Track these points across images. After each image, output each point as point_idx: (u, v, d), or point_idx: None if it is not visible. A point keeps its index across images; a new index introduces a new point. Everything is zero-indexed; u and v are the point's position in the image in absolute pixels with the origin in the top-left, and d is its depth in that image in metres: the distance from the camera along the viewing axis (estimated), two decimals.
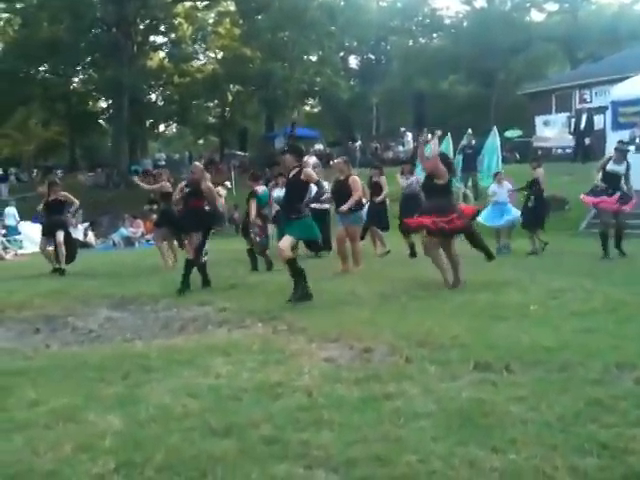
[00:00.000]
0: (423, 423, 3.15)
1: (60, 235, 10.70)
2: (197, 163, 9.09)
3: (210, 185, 8.64)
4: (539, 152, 22.26)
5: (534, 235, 11.28)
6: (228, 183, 16.59)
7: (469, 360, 4.19)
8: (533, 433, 3.00)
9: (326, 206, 12.32)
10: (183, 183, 10.62)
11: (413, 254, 10.85)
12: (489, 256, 8.08)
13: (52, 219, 10.98)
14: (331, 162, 26.85)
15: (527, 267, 9.25)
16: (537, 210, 11.26)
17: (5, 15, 36.68)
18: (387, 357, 4.45)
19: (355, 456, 2.79)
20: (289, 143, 8.11)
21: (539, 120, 25.77)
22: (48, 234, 10.91)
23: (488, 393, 3.56)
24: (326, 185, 12.27)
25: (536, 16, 42.38)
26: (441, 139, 20.51)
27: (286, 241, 6.86)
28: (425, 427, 3.10)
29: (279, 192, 12.61)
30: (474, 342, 4.67)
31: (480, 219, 10.51)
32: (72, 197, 11.36)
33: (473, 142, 18.71)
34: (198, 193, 8.50)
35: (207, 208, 8.71)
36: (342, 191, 9.20)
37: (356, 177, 9.38)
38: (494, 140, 18.42)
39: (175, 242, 11.06)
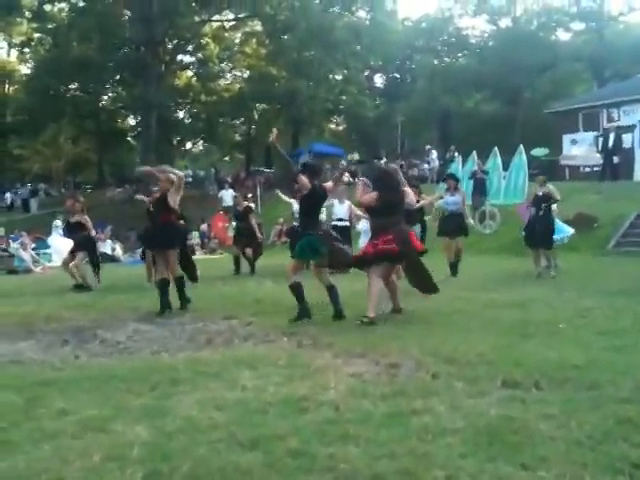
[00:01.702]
0: (451, 439, 3.12)
1: (79, 257, 10.75)
2: (164, 175, 8.10)
3: (176, 199, 7.95)
4: (567, 170, 22.13)
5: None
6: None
7: (497, 377, 4.15)
8: (563, 451, 2.96)
9: (346, 223, 12.37)
10: (154, 188, 10.66)
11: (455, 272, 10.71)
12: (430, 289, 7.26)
13: (73, 239, 11.08)
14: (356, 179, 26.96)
15: (555, 285, 9.15)
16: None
17: (37, 35, 37.48)
18: (413, 373, 4.42)
19: (382, 471, 2.78)
20: (304, 162, 7.68)
21: (566, 139, 25.60)
22: (72, 253, 10.99)
23: (517, 410, 3.53)
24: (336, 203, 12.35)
25: (562, 35, 42.19)
26: (465, 158, 20.60)
27: (289, 264, 6.95)
28: (453, 443, 3.07)
29: (296, 206, 12.75)
30: (501, 359, 4.63)
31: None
32: (90, 224, 11.17)
33: (484, 167, 18.60)
34: (166, 206, 7.91)
35: (180, 222, 8.52)
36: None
37: (408, 189, 9.13)
38: (520, 158, 18.36)
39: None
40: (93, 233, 11.54)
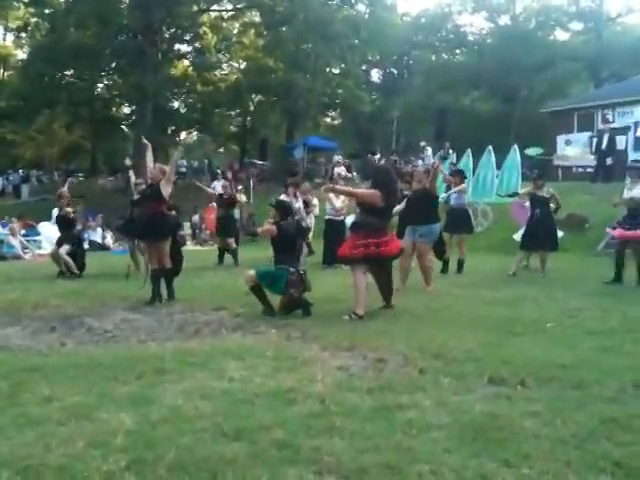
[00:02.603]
0: (436, 435, 3.13)
1: (64, 249, 10.74)
2: (158, 164, 8.21)
3: (168, 190, 7.86)
4: (559, 171, 22.19)
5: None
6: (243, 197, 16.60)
7: (483, 374, 4.17)
8: (547, 449, 2.97)
9: (340, 217, 12.35)
10: (136, 180, 10.61)
11: (445, 270, 10.70)
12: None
13: (61, 233, 11.08)
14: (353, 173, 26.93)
15: (544, 284, 9.17)
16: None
17: (34, 20, 37.20)
18: (400, 368, 4.43)
19: (366, 464, 2.78)
20: (277, 201, 7.49)
21: (561, 139, 25.63)
22: (59, 245, 10.99)
23: (502, 407, 3.54)
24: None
25: (560, 35, 42.27)
26: (459, 155, 20.64)
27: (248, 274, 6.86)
28: (438, 439, 3.08)
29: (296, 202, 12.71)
30: (488, 356, 4.64)
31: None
32: (74, 220, 11.19)
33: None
34: (158, 197, 7.82)
35: (172, 212, 8.47)
36: (419, 202, 8.48)
37: (436, 185, 8.87)
38: (514, 157, 18.40)
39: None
40: (78, 227, 11.51)
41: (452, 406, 3.55)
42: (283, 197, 12.70)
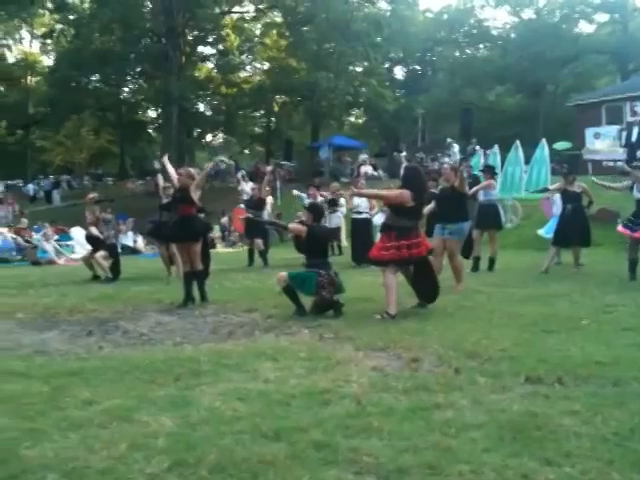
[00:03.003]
0: (474, 434, 3.11)
1: (100, 254, 10.95)
2: (185, 169, 8.40)
3: (197, 194, 7.97)
4: (589, 165, 21.89)
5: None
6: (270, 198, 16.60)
7: (520, 373, 4.14)
8: (588, 447, 2.94)
9: (366, 215, 12.34)
10: (165, 184, 10.70)
11: (476, 268, 10.62)
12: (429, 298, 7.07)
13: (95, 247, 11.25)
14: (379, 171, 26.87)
15: (578, 280, 9.07)
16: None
17: (59, 26, 37.76)
18: (435, 367, 4.42)
19: (406, 464, 2.78)
20: (311, 204, 7.55)
21: (589, 132, 25.28)
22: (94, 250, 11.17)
23: (540, 406, 3.51)
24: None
25: (585, 27, 41.74)
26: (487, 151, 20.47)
27: (280, 274, 6.90)
28: (476, 438, 3.06)
29: (307, 202, 12.77)
30: (524, 355, 4.61)
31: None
32: (98, 233, 11.29)
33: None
34: (188, 200, 7.91)
35: (201, 215, 8.51)
36: (448, 199, 8.37)
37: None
38: (543, 152, 18.20)
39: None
40: (110, 237, 11.72)
41: (489, 405, 3.54)
42: (305, 201, 12.80)
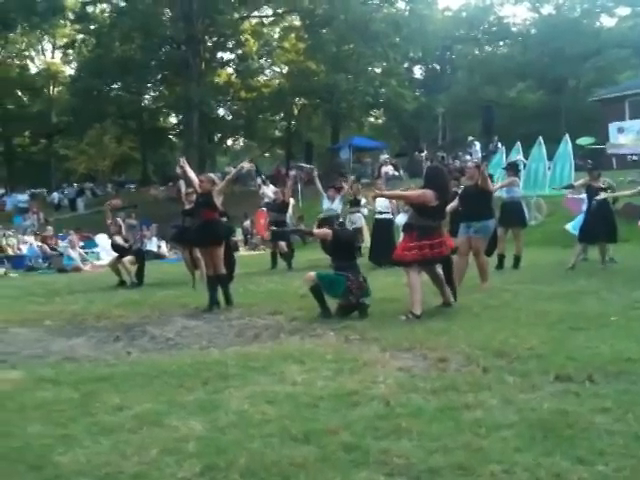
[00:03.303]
0: (505, 433, 3.09)
1: (127, 259, 11.16)
2: (206, 175, 8.51)
3: (220, 199, 8.04)
4: (614, 160, 21.64)
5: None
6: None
7: (549, 371, 4.10)
8: (621, 444, 2.90)
9: (387, 215, 12.30)
10: (187, 189, 10.77)
11: (501, 266, 10.52)
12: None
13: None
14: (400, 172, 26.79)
15: (605, 277, 8.97)
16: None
17: (80, 36, 38.21)
18: (463, 367, 4.39)
19: (437, 465, 2.77)
20: (323, 218, 7.63)
21: (613, 127, 25.00)
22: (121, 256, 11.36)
23: (571, 404, 3.48)
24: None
25: (607, 21, 41.27)
26: (508, 148, 20.31)
27: (309, 274, 6.95)
28: (507, 437, 3.04)
29: (326, 203, 12.77)
30: (553, 353, 4.57)
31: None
32: (123, 242, 11.54)
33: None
34: (211, 205, 7.99)
35: (223, 219, 8.56)
36: (472, 198, 8.29)
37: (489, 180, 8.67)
38: (566, 148, 18.03)
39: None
40: (135, 243, 11.87)
41: (519, 404, 3.51)
42: (325, 202, 12.80)
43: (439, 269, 7.03)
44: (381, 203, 12.24)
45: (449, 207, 7.78)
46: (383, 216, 12.32)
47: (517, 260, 10.63)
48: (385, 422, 3.31)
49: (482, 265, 8.32)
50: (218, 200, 7.97)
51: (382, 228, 12.14)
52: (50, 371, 4.74)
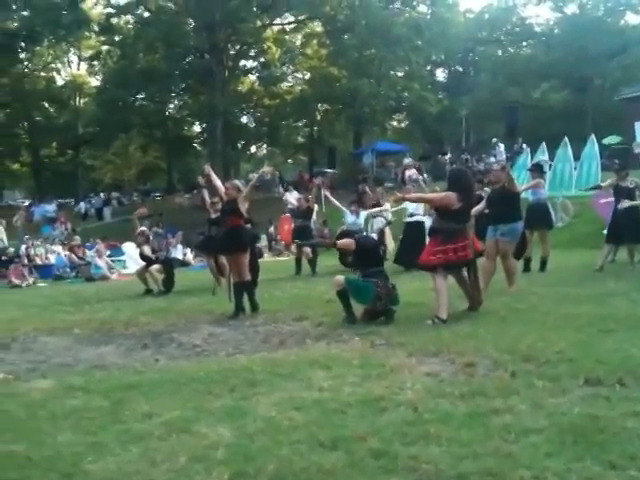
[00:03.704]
0: (535, 439, 3.06)
1: (154, 268, 11.26)
2: (231, 183, 8.52)
3: (246, 205, 8.09)
4: None
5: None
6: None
7: (578, 375, 4.05)
8: None
9: (421, 218, 12.21)
10: (212, 198, 10.83)
11: (527, 269, 10.45)
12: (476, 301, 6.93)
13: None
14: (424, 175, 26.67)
15: (633, 278, 8.84)
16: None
17: (105, 47, 38.73)
18: (491, 372, 4.35)
19: (466, 471, 2.74)
20: (343, 231, 7.68)
21: (639, 125, 24.68)
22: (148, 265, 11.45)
23: (602, 408, 3.43)
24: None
25: (632, 19, 40.73)
26: (534, 150, 20.14)
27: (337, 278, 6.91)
28: (537, 443, 3.01)
29: (350, 218, 12.76)
30: (582, 356, 4.51)
31: None
32: (151, 254, 11.58)
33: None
34: (237, 212, 8.03)
35: (248, 226, 8.57)
36: (499, 200, 8.20)
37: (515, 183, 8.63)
38: (592, 148, 17.84)
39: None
40: (162, 252, 11.91)
41: (549, 409, 3.47)
42: (348, 214, 12.81)
43: (465, 272, 6.98)
44: (412, 205, 12.15)
45: (474, 210, 7.72)
46: (414, 218, 12.23)
47: (544, 262, 10.52)
48: (413, 428, 3.29)
49: (509, 268, 8.24)
50: (244, 207, 8.01)
51: (413, 230, 12.03)
52: (80, 379, 4.78)
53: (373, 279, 6.65)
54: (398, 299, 6.77)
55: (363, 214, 12.94)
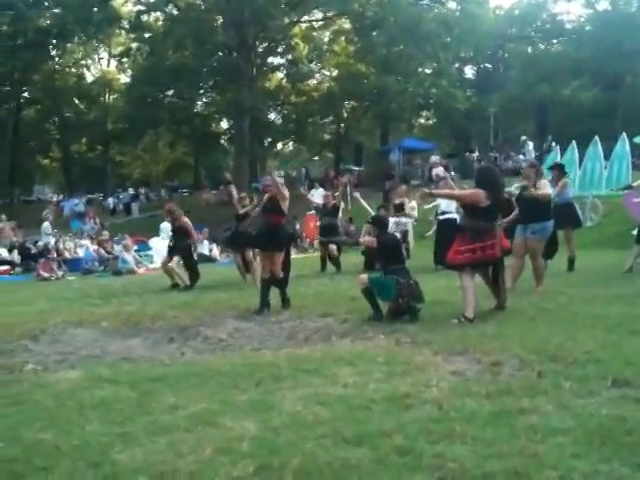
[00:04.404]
0: (561, 439, 3.03)
1: (174, 262, 11.32)
2: (270, 176, 8.57)
3: (286, 203, 8.16)
4: None
5: None
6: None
7: (606, 376, 3.99)
8: None
9: (454, 216, 12.05)
10: (240, 194, 10.81)
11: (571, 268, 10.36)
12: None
13: (176, 245, 11.50)
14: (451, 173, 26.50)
15: None
16: None
17: (135, 44, 39.11)
18: (517, 371, 4.32)
19: (492, 470, 2.73)
20: (373, 217, 7.63)
21: None
22: (169, 255, 11.50)
23: (630, 410, 3.38)
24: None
25: None
26: (563, 148, 19.90)
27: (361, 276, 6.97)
28: (564, 443, 2.98)
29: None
30: (610, 357, 4.45)
31: None
32: (191, 229, 11.75)
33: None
34: (278, 210, 8.12)
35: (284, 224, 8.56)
36: (530, 199, 8.11)
37: (545, 181, 8.58)
38: (623, 146, 17.58)
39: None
40: (195, 237, 11.95)
41: (576, 410, 3.44)
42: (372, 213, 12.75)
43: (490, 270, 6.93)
44: (444, 203, 12.03)
45: (507, 220, 7.66)
46: (446, 216, 12.07)
47: (571, 262, 10.40)
48: (439, 426, 3.29)
49: (538, 268, 8.16)
50: (284, 205, 8.07)
51: (445, 228, 11.88)
52: (108, 371, 4.86)
53: (393, 275, 6.65)
54: (422, 296, 6.72)
55: (391, 220, 12.83)
